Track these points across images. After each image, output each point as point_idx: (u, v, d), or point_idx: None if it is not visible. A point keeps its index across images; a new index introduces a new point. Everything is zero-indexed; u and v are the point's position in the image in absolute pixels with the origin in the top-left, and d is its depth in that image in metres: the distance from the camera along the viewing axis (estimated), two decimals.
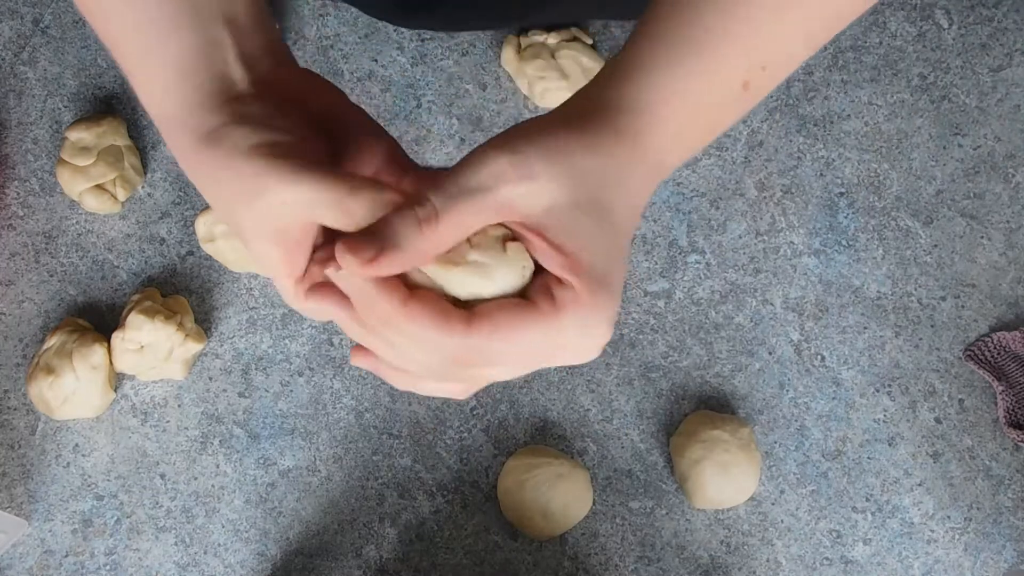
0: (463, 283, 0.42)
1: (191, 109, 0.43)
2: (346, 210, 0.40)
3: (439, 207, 0.40)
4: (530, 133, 0.41)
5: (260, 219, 0.42)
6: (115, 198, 0.87)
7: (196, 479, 0.84)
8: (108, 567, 0.83)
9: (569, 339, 0.42)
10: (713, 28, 0.42)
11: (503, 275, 0.42)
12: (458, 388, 0.46)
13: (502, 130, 0.47)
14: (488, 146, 0.41)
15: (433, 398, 0.85)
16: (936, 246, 0.89)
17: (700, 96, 0.43)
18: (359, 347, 0.45)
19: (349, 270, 0.40)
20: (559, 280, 0.41)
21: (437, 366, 0.42)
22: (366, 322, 0.43)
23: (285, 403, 0.86)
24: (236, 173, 0.41)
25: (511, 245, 0.42)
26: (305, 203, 0.40)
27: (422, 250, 0.41)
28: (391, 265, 0.40)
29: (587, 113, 0.42)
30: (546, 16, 0.89)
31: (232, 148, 0.41)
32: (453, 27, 0.90)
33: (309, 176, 0.40)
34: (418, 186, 0.43)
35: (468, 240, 0.42)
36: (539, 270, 0.43)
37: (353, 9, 0.93)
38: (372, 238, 0.40)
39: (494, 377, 0.44)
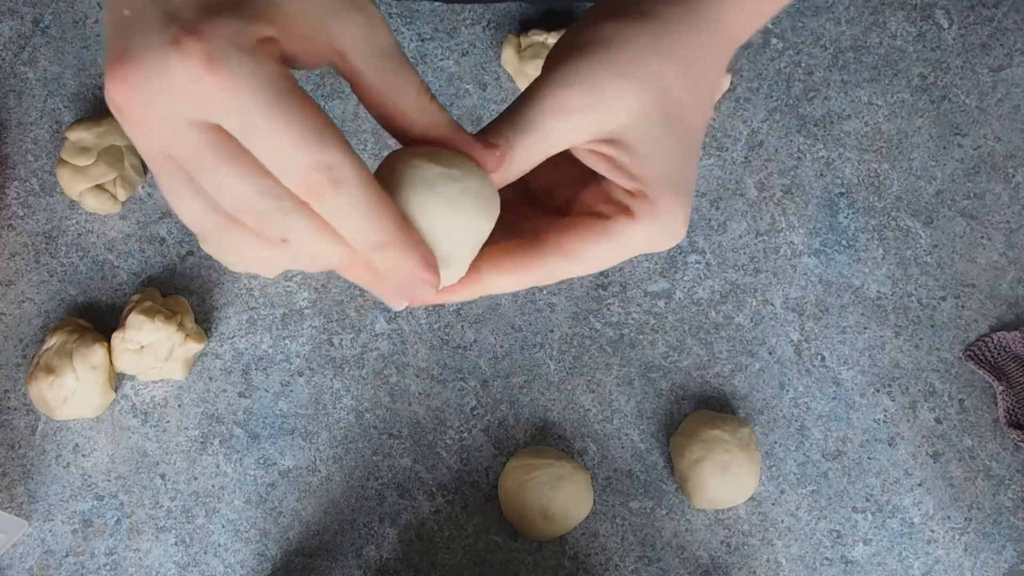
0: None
1: None
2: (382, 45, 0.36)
3: (512, 141, 0.38)
4: (594, 46, 0.38)
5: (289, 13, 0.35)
6: (115, 198, 0.87)
7: (196, 479, 0.84)
8: (108, 567, 0.83)
9: (645, 245, 0.41)
10: None
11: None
12: None
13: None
14: (553, 74, 0.38)
15: (433, 399, 0.85)
16: (936, 246, 0.89)
17: None
18: None
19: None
20: (630, 192, 0.39)
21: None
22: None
23: (285, 403, 0.86)
24: None
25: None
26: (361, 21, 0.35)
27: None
28: None
29: None
30: None
31: None
32: None
33: None
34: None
35: None
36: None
37: None
38: None
39: None
